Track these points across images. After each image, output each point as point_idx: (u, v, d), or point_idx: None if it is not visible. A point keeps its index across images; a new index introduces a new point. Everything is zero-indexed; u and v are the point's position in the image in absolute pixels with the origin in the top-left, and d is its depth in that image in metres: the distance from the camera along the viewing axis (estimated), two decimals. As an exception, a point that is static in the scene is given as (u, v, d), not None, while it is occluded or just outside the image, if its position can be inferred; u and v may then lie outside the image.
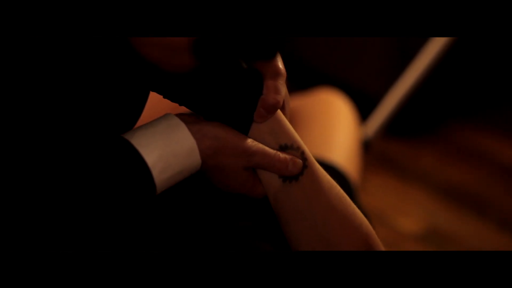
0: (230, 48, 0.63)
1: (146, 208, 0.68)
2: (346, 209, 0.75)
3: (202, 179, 0.75)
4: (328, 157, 1.06)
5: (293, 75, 1.08)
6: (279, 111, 0.75)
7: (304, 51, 2.02)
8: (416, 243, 1.72)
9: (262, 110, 0.73)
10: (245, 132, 0.74)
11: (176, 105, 0.74)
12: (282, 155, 0.73)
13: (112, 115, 0.71)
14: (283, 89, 0.74)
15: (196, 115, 0.73)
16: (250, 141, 0.73)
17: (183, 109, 0.75)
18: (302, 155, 0.74)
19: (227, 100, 0.73)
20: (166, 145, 0.68)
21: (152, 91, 0.74)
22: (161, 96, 0.74)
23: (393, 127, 2.00)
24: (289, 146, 0.74)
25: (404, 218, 1.81)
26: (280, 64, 0.75)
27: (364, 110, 1.86)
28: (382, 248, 0.76)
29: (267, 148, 0.73)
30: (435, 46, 1.83)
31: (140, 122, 0.74)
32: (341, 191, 0.76)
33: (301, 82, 0.77)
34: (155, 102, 0.81)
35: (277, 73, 0.74)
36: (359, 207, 0.77)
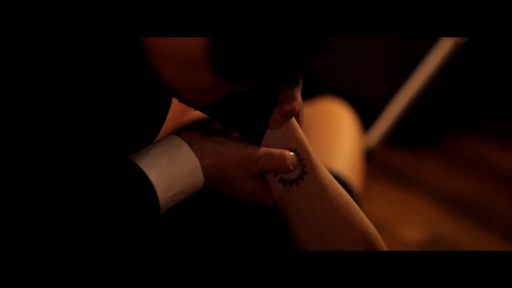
0: (253, 69, 0.62)
1: (151, 219, 0.69)
2: (353, 218, 0.75)
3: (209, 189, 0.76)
4: (331, 167, 1.06)
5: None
6: (292, 118, 0.77)
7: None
8: (419, 253, 1.71)
9: (278, 116, 0.75)
10: (259, 138, 0.76)
11: (185, 109, 0.75)
12: (282, 151, 0.75)
13: (134, 127, 0.72)
14: (299, 96, 0.76)
15: (199, 132, 0.74)
16: (252, 148, 0.74)
17: (197, 113, 0.75)
18: (302, 161, 0.76)
19: (243, 106, 0.75)
20: (170, 164, 0.69)
21: (168, 93, 0.76)
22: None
23: (396, 136, 2.00)
24: (292, 150, 0.76)
25: (407, 228, 1.80)
26: None
27: (367, 119, 1.86)
28: None
29: (271, 149, 0.75)
30: (437, 55, 1.84)
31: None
32: (350, 200, 0.76)
33: (304, 91, 0.78)
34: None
35: None
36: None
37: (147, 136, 0.76)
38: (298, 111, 0.78)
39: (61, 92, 0.63)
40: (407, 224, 1.81)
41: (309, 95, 1.10)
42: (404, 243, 1.75)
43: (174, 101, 0.77)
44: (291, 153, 0.75)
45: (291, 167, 0.75)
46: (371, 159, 1.88)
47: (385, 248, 0.76)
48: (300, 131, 0.77)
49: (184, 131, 0.75)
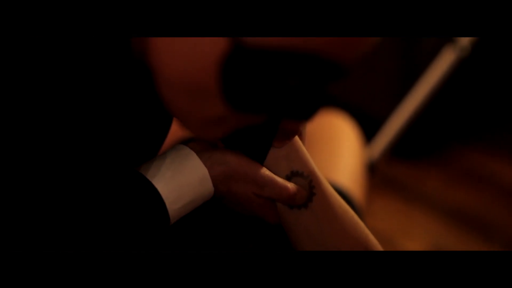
0: (266, 100, 0.60)
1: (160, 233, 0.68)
2: (359, 235, 0.75)
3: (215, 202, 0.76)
4: (333, 180, 1.06)
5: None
6: (295, 137, 0.75)
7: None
8: (421, 266, 1.71)
9: (283, 136, 0.73)
10: (262, 157, 0.74)
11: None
12: (290, 186, 0.73)
13: (137, 142, 0.72)
14: None
15: (206, 142, 0.73)
16: (261, 171, 0.72)
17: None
18: (310, 183, 0.74)
19: (246, 127, 0.73)
20: (178, 175, 0.68)
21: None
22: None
23: (398, 149, 2.00)
24: (299, 173, 0.74)
25: (409, 241, 1.80)
26: None
27: (369, 131, 1.85)
28: None
29: (276, 179, 0.73)
30: (439, 68, 1.84)
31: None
32: (355, 216, 0.76)
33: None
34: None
35: None
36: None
37: (151, 147, 0.76)
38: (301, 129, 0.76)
39: (66, 103, 0.63)
40: (408, 237, 1.81)
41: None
42: (406, 256, 1.74)
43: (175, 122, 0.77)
44: (293, 186, 0.73)
45: (294, 200, 0.73)
46: (374, 172, 1.88)
47: None
48: (304, 149, 0.75)
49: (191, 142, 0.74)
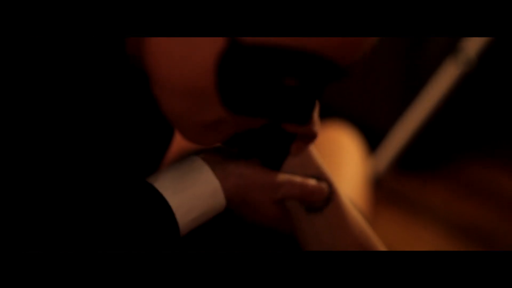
0: (264, 106, 0.59)
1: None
2: (370, 247, 0.74)
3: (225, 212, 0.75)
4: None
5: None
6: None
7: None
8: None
9: (300, 142, 0.72)
10: (279, 165, 0.73)
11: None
12: (309, 182, 0.72)
13: (139, 152, 0.72)
14: (318, 120, 0.74)
15: (220, 152, 0.72)
16: (276, 174, 0.72)
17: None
18: (330, 187, 0.73)
19: (262, 135, 0.72)
20: (190, 187, 0.67)
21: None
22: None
23: (403, 161, 1.99)
24: (316, 178, 0.73)
25: (414, 254, 1.79)
26: None
27: (372, 142, 1.85)
28: None
29: (294, 177, 0.72)
30: (443, 81, 1.84)
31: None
32: (368, 228, 0.75)
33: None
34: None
35: None
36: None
37: (153, 155, 0.76)
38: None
39: (64, 109, 0.62)
40: (413, 249, 1.80)
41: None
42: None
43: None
44: (314, 182, 0.72)
45: (313, 196, 0.72)
46: (378, 184, 1.88)
47: None
48: (317, 157, 0.75)
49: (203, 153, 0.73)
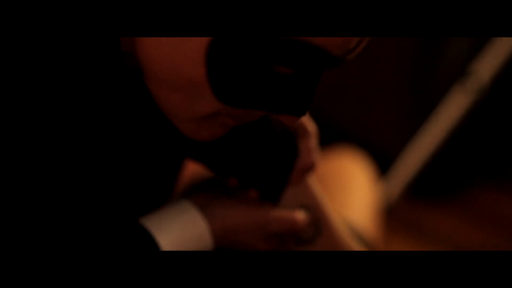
0: (255, 93, 0.58)
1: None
2: None
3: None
4: (343, 216, 1.05)
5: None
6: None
7: (321, 107, 2.02)
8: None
9: (300, 173, 0.73)
10: (278, 195, 0.73)
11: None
12: (297, 216, 0.72)
13: (148, 187, 0.73)
14: (317, 148, 0.74)
15: (210, 193, 0.73)
16: (263, 212, 0.72)
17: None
18: (316, 222, 0.74)
19: (261, 161, 0.73)
20: (179, 229, 0.69)
21: (181, 154, 0.75)
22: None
23: (414, 188, 1.98)
24: (306, 207, 0.74)
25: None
26: (309, 121, 0.74)
27: (383, 167, 1.84)
28: None
29: (281, 212, 0.73)
30: (452, 109, 1.83)
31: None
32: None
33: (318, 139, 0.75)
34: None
35: (308, 131, 0.73)
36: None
37: (162, 186, 0.76)
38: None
39: (64, 118, 0.61)
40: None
41: (323, 142, 1.09)
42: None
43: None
44: (302, 215, 0.73)
45: (302, 229, 0.73)
46: (390, 211, 1.87)
47: None
48: (315, 185, 0.75)
49: (197, 191, 0.75)
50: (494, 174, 2.17)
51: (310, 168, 0.72)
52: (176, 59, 0.58)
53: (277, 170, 0.72)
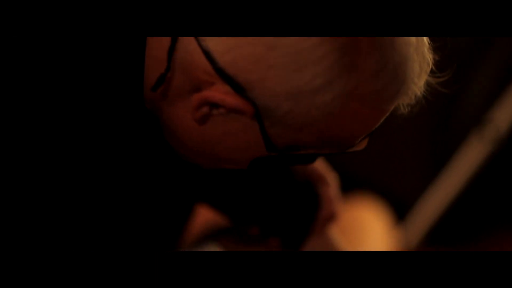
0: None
1: None
2: None
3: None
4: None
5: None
6: None
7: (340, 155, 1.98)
8: None
9: (321, 222, 0.73)
10: (298, 245, 0.73)
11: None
12: None
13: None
14: (339, 197, 0.74)
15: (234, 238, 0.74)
16: None
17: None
18: None
19: (284, 210, 0.73)
20: None
21: (201, 202, 0.76)
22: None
23: (433, 236, 1.95)
24: None
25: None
26: (329, 170, 0.75)
27: (402, 216, 1.81)
28: None
29: None
30: (469, 159, 1.80)
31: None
32: None
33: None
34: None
35: (327, 180, 0.74)
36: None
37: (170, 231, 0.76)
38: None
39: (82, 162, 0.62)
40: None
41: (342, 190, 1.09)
42: None
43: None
44: None
45: None
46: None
47: None
48: (336, 236, 0.75)
49: (214, 240, 0.75)
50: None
51: (331, 218, 0.73)
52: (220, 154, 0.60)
53: (299, 219, 0.72)
